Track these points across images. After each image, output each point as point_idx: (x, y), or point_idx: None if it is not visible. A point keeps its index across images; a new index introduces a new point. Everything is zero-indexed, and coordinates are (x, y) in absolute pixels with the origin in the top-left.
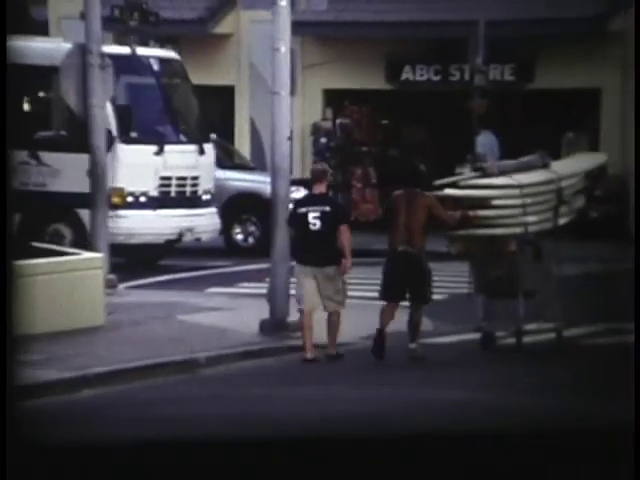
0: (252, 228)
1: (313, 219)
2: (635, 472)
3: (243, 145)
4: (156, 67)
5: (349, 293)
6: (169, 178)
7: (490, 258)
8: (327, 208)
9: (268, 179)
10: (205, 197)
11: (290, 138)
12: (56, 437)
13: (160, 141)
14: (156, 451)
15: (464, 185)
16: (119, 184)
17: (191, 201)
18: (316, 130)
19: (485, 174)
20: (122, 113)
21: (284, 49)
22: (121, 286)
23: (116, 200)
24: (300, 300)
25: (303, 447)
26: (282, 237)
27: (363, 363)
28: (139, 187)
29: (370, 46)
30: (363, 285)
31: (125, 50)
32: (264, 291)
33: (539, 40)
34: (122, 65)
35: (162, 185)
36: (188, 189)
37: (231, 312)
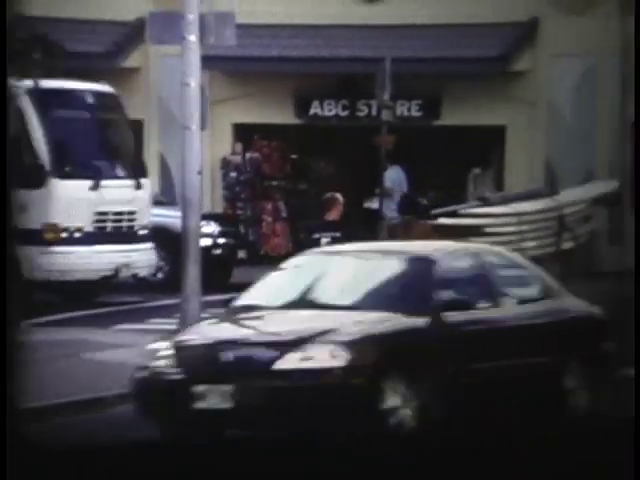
0: (161, 263)
1: (324, 244)
2: (635, 473)
3: (152, 179)
4: (91, 101)
5: None
6: (105, 213)
7: None
8: (338, 234)
9: (178, 213)
10: (142, 232)
11: (200, 172)
12: None
13: (96, 176)
14: None
15: (461, 214)
16: (53, 220)
17: (128, 236)
18: (226, 164)
19: (486, 204)
20: (56, 147)
21: (194, 83)
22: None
23: (49, 236)
24: None
25: None
26: (193, 271)
27: None
28: (74, 222)
29: (278, 81)
30: None
31: (60, 84)
32: (174, 327)
33: (445, 78)
34: (56, 99)
35: (98, 220)
36: (124, 224)
37: (140, 349)
